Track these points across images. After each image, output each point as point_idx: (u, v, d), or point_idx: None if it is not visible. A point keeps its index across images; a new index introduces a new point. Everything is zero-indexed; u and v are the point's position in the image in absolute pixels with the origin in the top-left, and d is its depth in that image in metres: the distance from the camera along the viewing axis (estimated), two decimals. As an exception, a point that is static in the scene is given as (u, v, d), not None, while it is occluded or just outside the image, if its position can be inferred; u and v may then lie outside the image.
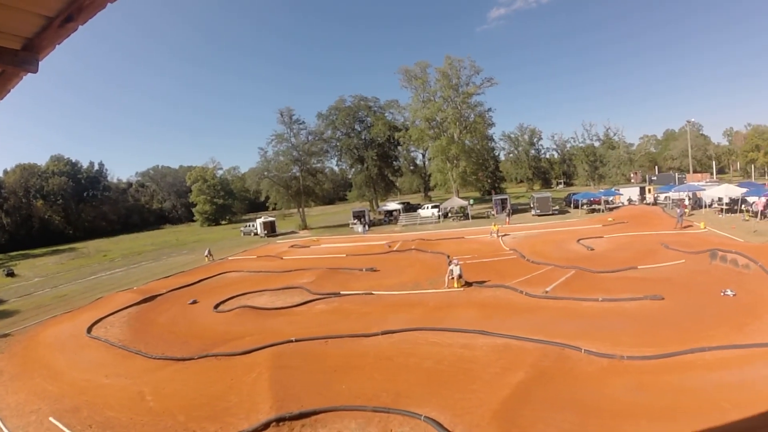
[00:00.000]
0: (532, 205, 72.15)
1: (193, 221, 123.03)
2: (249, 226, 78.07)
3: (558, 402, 14.25)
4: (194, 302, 29.32)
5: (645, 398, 14.50)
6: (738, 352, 17.44)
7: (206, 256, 49.17)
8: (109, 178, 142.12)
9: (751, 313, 21.45)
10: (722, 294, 23.91)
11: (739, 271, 28.02)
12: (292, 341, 19.83)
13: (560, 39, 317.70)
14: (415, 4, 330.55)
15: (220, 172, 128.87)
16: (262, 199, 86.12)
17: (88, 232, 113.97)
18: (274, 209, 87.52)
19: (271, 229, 72.50)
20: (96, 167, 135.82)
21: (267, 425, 12.57)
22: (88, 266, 56.48)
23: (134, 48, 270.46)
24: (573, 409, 13.88)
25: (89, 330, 25.57)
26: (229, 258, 48.81)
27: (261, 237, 70.28)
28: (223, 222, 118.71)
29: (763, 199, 47.17)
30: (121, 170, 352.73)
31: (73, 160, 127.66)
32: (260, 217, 76.28)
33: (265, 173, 78.58)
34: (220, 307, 28.07)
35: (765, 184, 71.65)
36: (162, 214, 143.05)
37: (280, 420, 12.76)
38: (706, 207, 58.70)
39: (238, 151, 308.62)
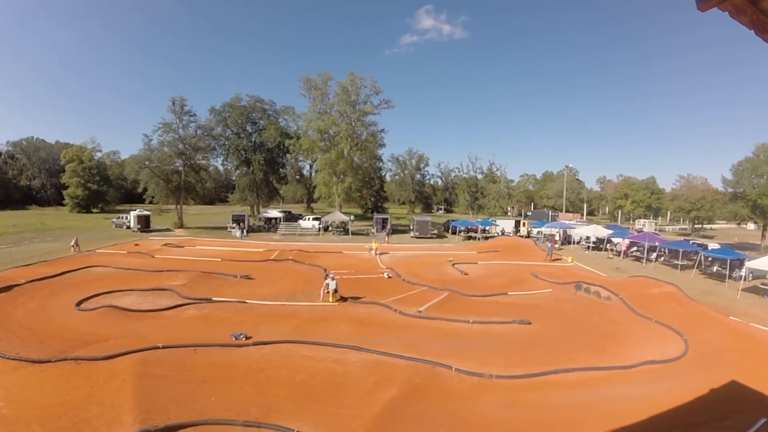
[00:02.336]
0: (411, 227, 73.41)
1: (63, 205, 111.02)
2: (122, 217, 72.12)
3: (430, 418, 14.50)
4: None
5: (514, 414, 15.19)
6: (599, 373, 19.05)
7: (72, 245, 45.00)
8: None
9: (610, 339, 23.53)
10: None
11: (601, 302, 30.19)
12: (159, 347, 18.44)
13: (463, 75, 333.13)
14: (333, 17, 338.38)
15: (99, 154, 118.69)
16: (140, 190, 79.34)
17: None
18: (150, 203, 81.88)
19: (145, 224, 68.27)
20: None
21: None
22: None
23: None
24: (444, 424, 14.18)
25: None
26: (98, 251, 45.22)
27: (133, 231, 65.82)
28: (95, 210, 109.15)
29: (627, 241, 51.88)
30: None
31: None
32: (135, 210, 71.15)
33: (147, 162, 73.26)
34: (84, 305, 25.56)
35: (629, 228, 78.30)
36: (29, 192, 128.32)
37: None
38: (574, 243, 63.50)
39: (121, 135, 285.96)
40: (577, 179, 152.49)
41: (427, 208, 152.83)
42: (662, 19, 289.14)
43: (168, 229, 69.92)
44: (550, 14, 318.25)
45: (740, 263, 39.16)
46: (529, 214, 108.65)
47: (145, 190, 75.94)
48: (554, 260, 48.68)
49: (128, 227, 68.52)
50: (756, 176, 67.01)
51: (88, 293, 27.43)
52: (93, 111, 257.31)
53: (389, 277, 37.04)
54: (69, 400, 13.99)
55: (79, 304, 25.43)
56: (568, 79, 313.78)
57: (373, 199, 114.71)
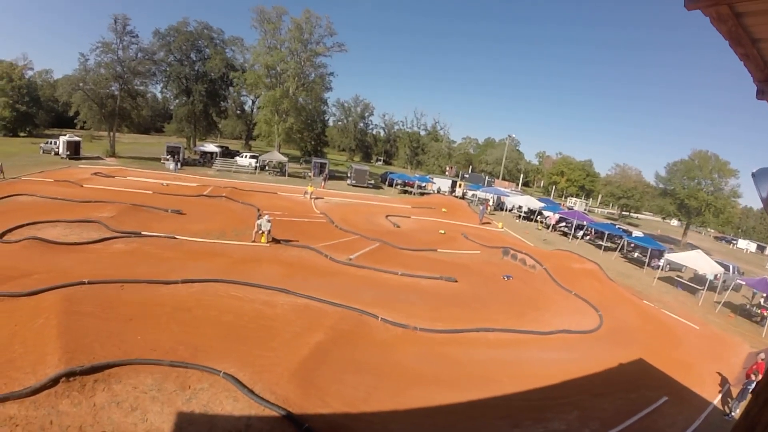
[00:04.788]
0: (349, 175, 74.19)
1: None
2: (51, 143, 66.30)
3: (354, 364, 15.00)
4: None
5: (434, 367, 15.95)
6: (517, 335, 20.14)
7: None
8: None
9: (531, 305, 24.84)
10: (503, 278, 27.63)
11: (526, 269, 31.50)
12: (84, 283, 17.53)
13: (424, 30, 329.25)
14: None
15: (30, 73, 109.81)
16: (71, 113, 73.80)
17: None
18: (82, 128, 77.34)
19: (74, 151, 63.81)
20: None
21: (56, 380, 10.97)
22: None
23: None
24: (368, 371, 14.74)
25: None
26: (23, 178, 42.40)
27: (62, 158, 61.50)
28: (22, 134, 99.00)
29: (557, 216, 53.99)
30: None
31: None
32: (65, 135, 65.93)
33: (81, 84, 68.81)
34: (6, 237, 23.89)
35: (561, 204, 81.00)
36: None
37: (70, 374, 11.22)
38: (506, 211, 65.16)
39: (56, 52, 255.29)
40: (518, 150, 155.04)
41: (367, 158, 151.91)
42: (632, 10, 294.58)
43: (99, 158, 66.48)
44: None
45: (660, 254, 41.89)
46: (467, 176, 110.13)
47: (77, 114, 71.49)
48: (485, 224, 50.04)
49: (57, 153, 63.63)
50: (688, 178, 71.31)
51: (11, 224, 25.57)
52: (25, 27, 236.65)
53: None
54: (-9, 340, 13.20)
55: (1, 236, 23.81)
56: (526, 49, 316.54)
57: (313, 142, 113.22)
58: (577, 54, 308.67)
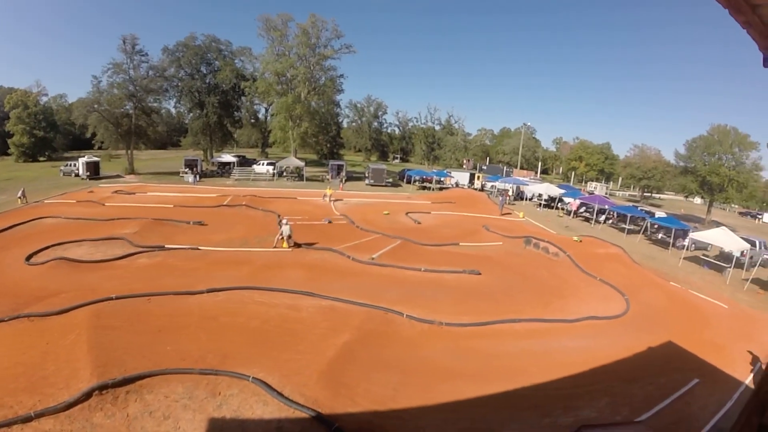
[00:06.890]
0: (366, 175, 74.00)
1: (8, 155, 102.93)
2: (70, 165, 67.41)
3: (381, 362, 15.10)
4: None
5: (461, 361, 15.95)
6: (544, 325, 20.06)
7: (19, 197, 42.48)
8: None
9: (556, 293, 24.55)
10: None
11: (549, 257, 31.23)
12: (112, 298, 17.99)
13: (430, 25, 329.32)
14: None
15: (45, 98, 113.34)
16: (88, 135, 75.53)
17: None
18: (99, 149, 78.29)
19: (94, 171, 64.96)
20: None
21: (89, 394, 11.34)
22: None
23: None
24: (395, 369, 14.79)
25: None
26: (46, 201, 43.14)
27: (82, 179, 62.40)
28: (42, 158, 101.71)
29: (577, 202, 53.24)
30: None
31: None
32: (83, 156, 67.28)
33: (95, 106, 69.74)
34: (33, 259, 24.51)
35: (581, 189, 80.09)
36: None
37: (102, 388, 11.59)
38: (526, 200, 64.64)
39: (68, 77, 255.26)
40: (534, 137, 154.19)
41: (383, 157, 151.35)
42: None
43: (118, 176, 67.35)
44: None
45: (684, 233, 41.16)
46: (484, 168, 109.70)
47: (94, 135, 72.66)
48: (505, 214, 49.62)
49: (77, 175, 64.74)
50: (708, 154, 69.55)
51: (37, 246, 26.25)
52: (37, 54, 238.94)
53: (329, 222, 38.24)
54: (25, 360, 13.59)
55: (29, 258, 24.41)
56: (535, 35, 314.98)
57: (329, 145, 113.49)
58: (586, 36, 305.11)
